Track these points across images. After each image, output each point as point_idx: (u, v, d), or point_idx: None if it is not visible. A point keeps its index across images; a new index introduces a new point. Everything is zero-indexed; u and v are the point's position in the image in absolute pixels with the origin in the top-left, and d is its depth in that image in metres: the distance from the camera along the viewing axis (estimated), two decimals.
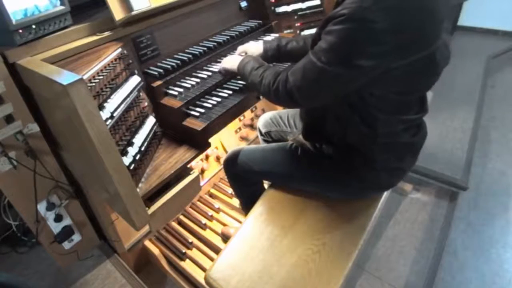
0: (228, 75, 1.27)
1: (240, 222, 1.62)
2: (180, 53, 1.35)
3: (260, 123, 1.53)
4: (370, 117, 0.93)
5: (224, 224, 1.63)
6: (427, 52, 0.82)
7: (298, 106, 1.04)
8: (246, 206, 1.46)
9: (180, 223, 1.69)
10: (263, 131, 1.51)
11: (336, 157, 1.05)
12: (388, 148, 0.99)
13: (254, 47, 1.30)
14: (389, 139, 0.98)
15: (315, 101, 0.94)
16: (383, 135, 0.96)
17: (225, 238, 1.55)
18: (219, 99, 1.22)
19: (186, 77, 1.30)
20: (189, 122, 1.13)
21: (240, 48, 1.34)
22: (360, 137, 0.98)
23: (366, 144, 0.99)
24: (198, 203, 1.77)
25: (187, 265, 1.48)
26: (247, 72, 1.09)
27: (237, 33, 1.50)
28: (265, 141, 1.53)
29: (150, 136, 1.12)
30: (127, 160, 0.97)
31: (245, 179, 1.34)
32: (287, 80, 0.93)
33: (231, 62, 1.22)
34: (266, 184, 1.43)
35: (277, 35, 1.63)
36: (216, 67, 1.35)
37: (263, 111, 1.98)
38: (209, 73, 1.32)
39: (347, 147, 1.02)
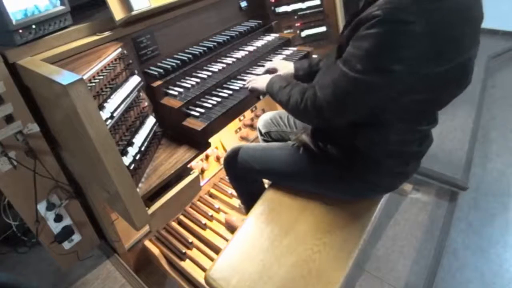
0: (256, 94, 1.25)
1: None
2: (180, 53, 1.35)
3: (260, 123, 1.53)
4: (385, 125, 0.91)
5: (224, 225, 1.63)
6: (465, 57, 0.80)
7: (327, 124, 0.94)
8: (246, 205, 1.46)
9: (180, 223, 1.69)
10: (263, 131, 1.51)
11: (339, 158, 1.04)
12: (395, 154, 0.99)
13: (284, 66, 1.28)
14: (398, 147, 0.96)
15: (346, 116, 0.88)
16: (393, 143, 0.94)
17: (229, 227, 1.56)
18: (219, 99, 1.22)
19: (186, 77, 1.30)
20: (189, 122, 1.13)
21: (270, 65, 1.31)
22: (370, 143, 0.96)
23: (374, 149, 0.97)
24: (198, 203, 1.77)
25: (187, 265, 1.48)
26: (275, 92, 1.06)
27: (237, 33, 1.50)
28: (265, 141, 1.53)
29: (150, 136, 1.12)
30: (127, 160, 0.97)
31: (245, 177, 1.34)
32: (315, 96, 0.87)
33: (260, 81, 1.19)
34: (266, 185, 1.43)
35: (277, 35, 1.64)
36: (216, 67, 1.35)
37: (263, 111, 1.98)
38: (209, 73, 1.32)
39: (354, 150, 1.00)
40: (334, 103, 0.85)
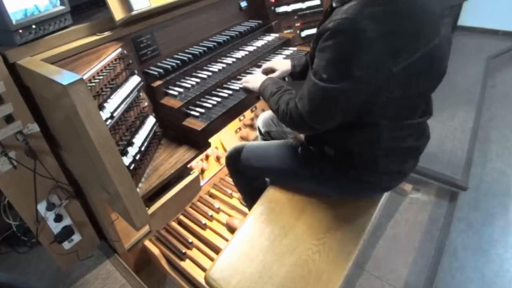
0: (256, 95, 1.24)
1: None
2: (180, 53, 1.35)
3: (260, 122, 1.52)
4: (374, 124, 0.92)
5: (223, 224, 1.63)
6: (425, 51, 0.81)
7: (316, 131, 0.95)
8: (248, 203, 1.46)
9: (180, 223, 1.69)
10: (262, 130, 1.50)
11: (337, 159, 1.05)
12: (391, 152, 0.99)
13: (282, 63, 1.29)
14: (393, 144, 0.97)
15: (330, 121, 0.91)
16: (386, 141, 0.95)
17: (230, 228, 1.56)
18: (219, 99, 1.22)
19: (186, 77, 1.30)
20: (189, 122, 1.13)
21: (268, 64, 1.33)
22: (364, 143, 0.97)
23: (369, 149, 0.98)
24: (198, 203, 1.77)
25: (187, 265, 1.48)
26: (266, 97, 1.09)
27: (237, 33, 1.50)
28: (265, 140, 1.53)
29: (150, 136, 1.12)
30: (127, 160, 0.97)
31: (246, 175, 1.34)
32: (297, 107, 0.92)
33: (253, 82, 1.20)
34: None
35: (277, 35, 1.64)
36: (216, 67, 1.35)
37: (263, 111, 1.98)
38: (209, 73, 1.32)
39: (350, 151, 1.01)
40: (312, 113, 0.88)
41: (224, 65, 1.37)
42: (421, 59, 0.81)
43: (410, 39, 0.79)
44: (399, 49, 0.78)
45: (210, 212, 1.69)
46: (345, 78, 0.80)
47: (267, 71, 1.32)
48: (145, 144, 1.08)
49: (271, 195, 1.23)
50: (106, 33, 1.11)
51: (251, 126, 2.00)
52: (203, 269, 1.44)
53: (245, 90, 1.24)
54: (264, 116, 1.52)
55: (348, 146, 1.00)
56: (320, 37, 0.82)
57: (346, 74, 0.79)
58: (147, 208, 0.99)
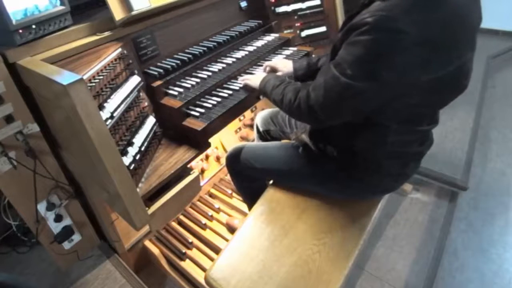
0: (250, 92, 1.24)
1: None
2: (180, 53, 1.35)
3: (258, 120, 1.50)
4: (382, 126, 0.91)
5: (223, 224, 1.63)
6: (458, 64, 0.79)
7: (321, 124, 0.93)
8: (248, 203, 1.46)
9: (180, 223, 1.69)
10: (261, 129, 1.49)
11: (339, 160, 1.04)
12: (395, 155, 0.98)
13: (283, 65, 1.28)
14: (398, 148, 0.96)
15: (339, 117, 0.89)
16: (392, 144, 0.94)
17: (230, 228, 1.56)
18: (219, 99, 1.22)
19: (186, 77, 1.30)
20: (189, 122, 1.13)
21: (270, 63, 1.32)
22: (369, 144, 0.96)
23: (373, 151, 0.97)
24: (198, 203, 1.77)
25: (187, 265, 1.48)
26: (268, 91, 1.07)
27: (237, 33, 1.50)
28: (262, 139, 1.52)
29: (150, 136, 1.12)
30: (127, 160, 0.97)
31: (246, 176, 1.34)
32: (308, 97, 0.88)
33: (254, 79, 1.19)
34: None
35: (277, 35, 1.64)
36: (216, 67, 1.35)
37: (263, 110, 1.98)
38: (209, 73, 1.32)
39: (353, 151, 1.00)
40: (325, 105, 0.85)
41: (224, 65, 1.37)
42: (452, 71, 0.79)
43: (449, 50, 0.76)
44: (433, 58, 0.74)
45: (210, 212, 1.69)
46: (370, 79, 0.76)
47: (269, 71, 1.32)
48: (145, 144, 1.08)
49: (271, 195, 1.23)
50: (106, 33, 1.11)
51: (251, 126, 2.00)
52: (203, 269, 1.44)
53: (246, 87, 1.24)
54: (262, 114, 1.50)
55: (352, 146, 0.99)
56: (354, 29, 0.76)
57: (373, 75, 0.75)
58: (147, 208, 0.99)
